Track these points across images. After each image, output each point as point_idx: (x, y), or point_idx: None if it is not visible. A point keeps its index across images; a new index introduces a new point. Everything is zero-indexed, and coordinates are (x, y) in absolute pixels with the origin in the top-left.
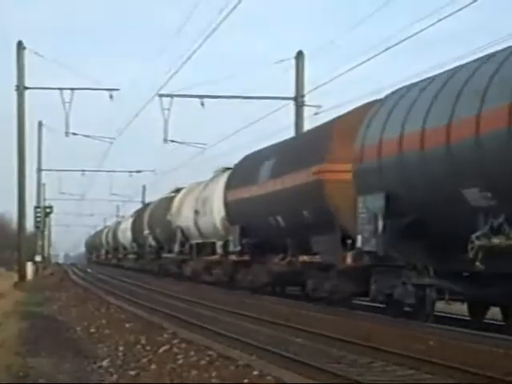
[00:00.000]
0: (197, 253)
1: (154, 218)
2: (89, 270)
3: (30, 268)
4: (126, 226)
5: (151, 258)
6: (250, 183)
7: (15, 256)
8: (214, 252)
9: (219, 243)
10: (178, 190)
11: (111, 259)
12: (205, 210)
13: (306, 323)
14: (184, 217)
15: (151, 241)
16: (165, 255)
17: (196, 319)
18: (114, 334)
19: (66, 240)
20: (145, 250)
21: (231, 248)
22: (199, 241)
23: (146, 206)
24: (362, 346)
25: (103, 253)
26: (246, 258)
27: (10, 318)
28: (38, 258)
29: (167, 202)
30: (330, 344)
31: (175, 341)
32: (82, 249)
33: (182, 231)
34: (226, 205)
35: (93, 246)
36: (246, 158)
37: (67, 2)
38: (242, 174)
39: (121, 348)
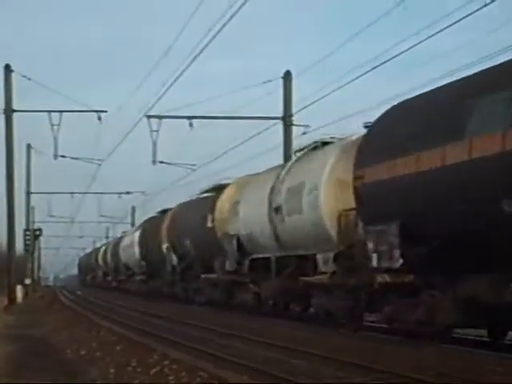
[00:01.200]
0: (276, 272)
1: (181, 226)
2: (79, 293)
3: (19, 291)
4: (132, 240)
5: (174, 279)
6: (433, 146)
7: (5, 279)
8: (311, 270)
9: (324, 256)
10: (220, 188)
11: (111, 281)
12: (298, 206)
13: None
14: (245, 220)
15: (173, 257)
16: (205, 276)
17: None
18: (104, 356)
19: (56, 262)
20: (165, 268)
21: (374, 263)
22: (278, 254)
23: (162, 213)
24: None
25: (100, 274)
26: (410, 279)
27: (0, 341)
28: (27, 281)
29: (205, 203)
30: None
31: None
32: (72, 271)
33: (239, 241)
34: (360, 189)
35: (87, 266)
36: (399, 112)
37: (55, 26)
38: (399, 135)
39: (112, 370)
